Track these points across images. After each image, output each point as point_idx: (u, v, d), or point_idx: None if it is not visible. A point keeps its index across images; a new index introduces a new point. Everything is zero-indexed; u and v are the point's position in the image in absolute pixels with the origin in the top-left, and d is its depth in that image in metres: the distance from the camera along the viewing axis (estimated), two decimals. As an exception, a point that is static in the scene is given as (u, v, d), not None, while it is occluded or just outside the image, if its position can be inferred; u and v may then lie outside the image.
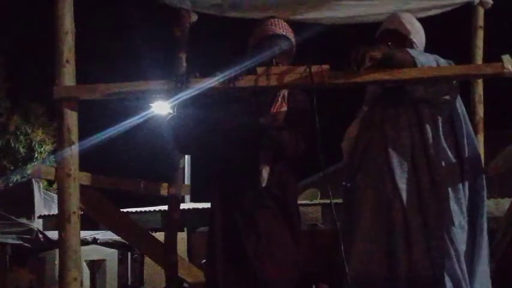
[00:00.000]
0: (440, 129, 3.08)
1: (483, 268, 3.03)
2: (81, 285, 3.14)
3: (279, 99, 3.22)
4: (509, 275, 3.42)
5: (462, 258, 2.95)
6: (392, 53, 2.94)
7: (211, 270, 3.17)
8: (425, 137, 3.07)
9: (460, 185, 3.04)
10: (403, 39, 3.23)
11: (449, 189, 3.02)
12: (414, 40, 3.25)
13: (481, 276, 3.01)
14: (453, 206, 3.00)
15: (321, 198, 8.96)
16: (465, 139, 3.11)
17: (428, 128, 3.08)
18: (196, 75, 3.04)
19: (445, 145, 3.06)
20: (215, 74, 3.01)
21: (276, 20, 3.30)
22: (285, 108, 3.21)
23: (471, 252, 3.02)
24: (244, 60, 3.04)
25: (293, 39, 3.28)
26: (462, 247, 2.98)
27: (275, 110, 3.20)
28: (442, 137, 3.07)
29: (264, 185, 3.11)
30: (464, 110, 3.16)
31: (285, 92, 3.21)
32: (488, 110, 4.18)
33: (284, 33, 3.25)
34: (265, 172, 3.12)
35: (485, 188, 3.09)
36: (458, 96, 3.14)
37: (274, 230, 3.11)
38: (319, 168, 2.86)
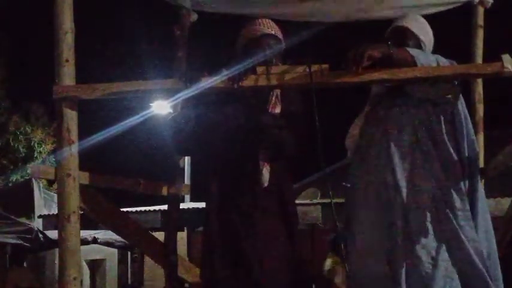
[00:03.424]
0: (443, 128, 3.08)
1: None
2: (81, 285, 3.14)
3: (273, 99, 3.21)
4: (509, 274, 3.41)
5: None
6: (392, 52, 2.94)
7: (209, 270, 3.16)
8: (429, 136, 3.08)
9: (462, 184, 3.05)
10: (412, 38, 3.22)
11: (452, 189, 3.02)
12: (423, 39, 3.25)
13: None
14: (458, 205, 3.00)
15: (320, 198, 8.97)
16: (465, 139, 3.11)
17: (431, 127, 3.08)
18: (205, 74, 3.03)
19: (448, 144, 3.06)
20: (217, 73, 3.00)
21: (264, 20, 3.30)
22: (279, 108, 3.21)
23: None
24: (242, 60, 3.04)
25: (282, 39, 3.28)
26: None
27: (270, 110, 3.20)
28: (445, 136, 3.07)
29: (266, 184, 3.11)
30: (466, 110, 3.16)
31: (278, 91, 3.21)
32: (488, 110, 4.18)
33: (273, 33, 3.26)
34: (266, 171, 3.12)
35: (478, 189, 3.08)
36: (461, 96, 3.14)
37: (272, 231, 3.11)
38: (319, 168, 2.86)
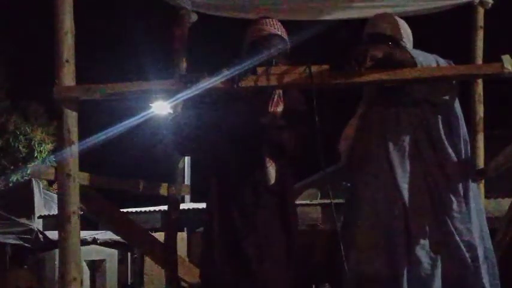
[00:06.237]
0: (441, 129, 3.08)
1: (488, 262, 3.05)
2: (81, 285, 3.14)
3: (275, 98, 3.22)
4: (509, 275, 3.41)
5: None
6: (393, 53, 2.94)
7: (208, 270, 3.17)
8: (426, 137, 3.07)
9: (459, 185, 3.05)
10: (390, 40, 3.19)
11: (450, 190, 3.02)
12: (400, 38, 3.21)
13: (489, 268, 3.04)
14: (454, 206, 3.00)
15: (320, 198, 8.97)
16: (462, 140, 3.11)
17: (429, 127, 3.08)
18: (204, 74, 3.03)
19: (446, 145, 3.06)
20: (218, 73, 3.01)
21: (270, 19, 3.30)
22: (281, 107, 3.21)
23: None
24: (244, 60, 3.04)
25: (287, 39, 3.28)
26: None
27: (272, 109, 3.20)
28: (443, 136, 3.07)
29: (272, 182, 3.11)
30: (461, 110, 3.16)
31: (280, 91, 3.21)
32: (489, 110, 4.18)
33: (279, 33, 3.25)
34: (272, 169, 3.12)
35: (470, 189, 3.08)
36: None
37: (273, 230, 3.12)
38: (319, 168, 2.86)
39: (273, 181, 3.13)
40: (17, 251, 11.05)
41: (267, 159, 3.13)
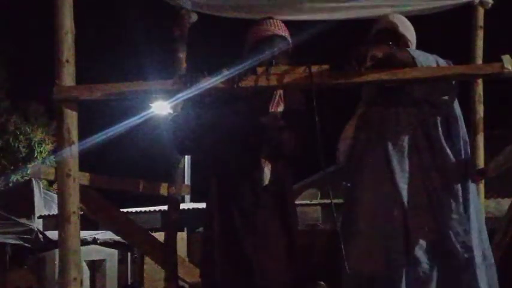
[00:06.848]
0: (440, 129, 3.08)
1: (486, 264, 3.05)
2: (81, 285, 3.14)
3: (277, 98, 3.22)
4: (510, 275, 3.41)
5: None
6: (393, 53, 2.94)
7: (208, 269, 3.17)
8: (425, 137, 3.08)
9: (458, 186, 3.05)
10: (397, 38, 3.21)
11: (448, 191, 3.02)
12: (409, 38, 3.23)
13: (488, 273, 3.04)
14: (453, 207, 3.00)
15: (320, 198, 8.97)
16: (461, 140, 3.11)
17: (428, 128, 3.08)
18: (204, 74, 3.04)
19: (445, 145, 3.06)
20: (219, 73, 3.01)
21: (273, 20, 3.31)
22: (281, 108, 3.22)
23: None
24: (245, 60, 3.05)
25: (290, 40, 3.29)
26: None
27: (273, 109, 3.21)
28: (441, 137, 3.07)
29: (266, 183, 3.12)
30: (460, 111, 3.16)
31: (281, 91, 3.22)
32: (489, 110, 4.18)
33: (282, 34, 3.26)
34: (267, 170, 3.13)
35: (470, 191, 3.08)
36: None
37: (272, 230, 3.12)
38: (319, 168, 2.87)
39: (267, 182, 3.13)
40: (17, 251, 11.06)
41: (263, 160, 3.13)
